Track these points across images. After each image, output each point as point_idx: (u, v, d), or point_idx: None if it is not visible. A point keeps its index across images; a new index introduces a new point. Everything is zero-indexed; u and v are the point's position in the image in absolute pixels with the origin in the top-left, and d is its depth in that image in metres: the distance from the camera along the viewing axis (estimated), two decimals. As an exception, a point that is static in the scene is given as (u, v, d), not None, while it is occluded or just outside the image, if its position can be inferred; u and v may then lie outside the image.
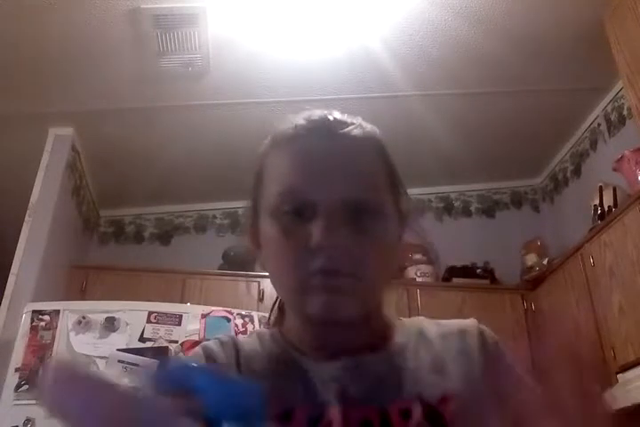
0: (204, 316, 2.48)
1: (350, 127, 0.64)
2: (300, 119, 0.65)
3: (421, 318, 0.72)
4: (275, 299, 0.71)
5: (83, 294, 3.05)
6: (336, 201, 0.58)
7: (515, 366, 0.63)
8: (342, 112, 0.66)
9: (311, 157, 0.61)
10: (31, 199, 2.95)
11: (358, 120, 0.66)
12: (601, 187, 2.87)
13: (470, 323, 0.69)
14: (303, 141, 0.62)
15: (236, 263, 3.40)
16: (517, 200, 4.13)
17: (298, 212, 0.59)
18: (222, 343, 0.66)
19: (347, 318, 0.59)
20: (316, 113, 0.65)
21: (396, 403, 0.59)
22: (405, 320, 0.71)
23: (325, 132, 0.62)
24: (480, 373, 0.63)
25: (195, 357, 0.65)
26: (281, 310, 0.71)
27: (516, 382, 0.61)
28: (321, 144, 0.62)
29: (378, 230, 0.61)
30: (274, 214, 0.61)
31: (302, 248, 0.58)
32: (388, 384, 0.61)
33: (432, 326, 0.69)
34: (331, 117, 0.64)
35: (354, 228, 0.59)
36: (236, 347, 0.66)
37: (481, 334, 0.67)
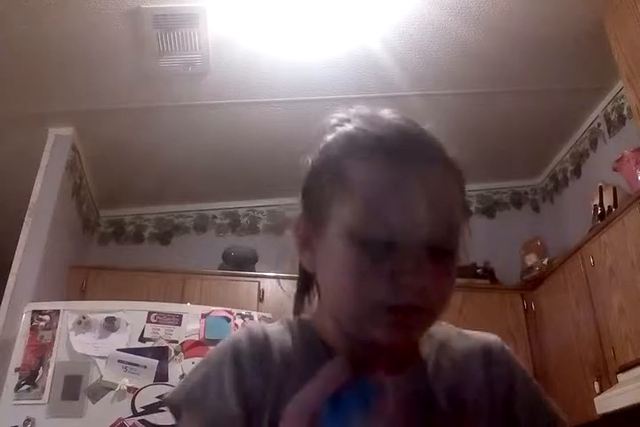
0: (204, 316, 2.48)
1: (439, 151, 0.64)
2: (380, 122, 0.62)
3: (448, 327, 0.72)
4: (297, 288, 0.71)
5: (83, 294, 3.05)
6: (424, 237, 0.57)
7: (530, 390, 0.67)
8: (410, 116, 0.65)
9: (406, 185, 0.58)
10: (31, 199, 2.94)
11: (431, 129, 0.65)
12: (601, 187, 2.87)
13: (494, 343, 0.71)
14: (397, 162, 0.59)
15: (236, 263, 3.40)
16: (517, 200, 4.13)
17: (383, 242, 0.57)
18: (251, 339, 0.65)
19: (403, 347, 0.61)
20: (393, 118, 0.63)
21: None
22: (432, 330, 0.69)
23: (418, 152, 0.61)
24: (501, 404, 0.65)
25: (222, 355, 0.65)
26: (301, 299, 0.71)
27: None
28: (415, 169, 0.59)
29: (453, 268, 0.61)
30: (353, 235, 0.58)
31: (383, 280, 0.57)
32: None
33: (457, 340, 0.70)
34: (415, 128, 0.63)
35: (434, 266, 0.58)
36: (267, 344, 0.65)
37: (504, 355, 0.69)
